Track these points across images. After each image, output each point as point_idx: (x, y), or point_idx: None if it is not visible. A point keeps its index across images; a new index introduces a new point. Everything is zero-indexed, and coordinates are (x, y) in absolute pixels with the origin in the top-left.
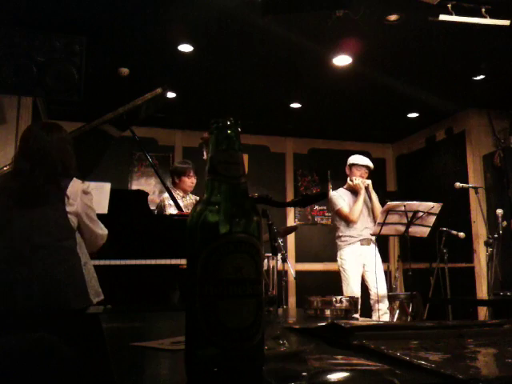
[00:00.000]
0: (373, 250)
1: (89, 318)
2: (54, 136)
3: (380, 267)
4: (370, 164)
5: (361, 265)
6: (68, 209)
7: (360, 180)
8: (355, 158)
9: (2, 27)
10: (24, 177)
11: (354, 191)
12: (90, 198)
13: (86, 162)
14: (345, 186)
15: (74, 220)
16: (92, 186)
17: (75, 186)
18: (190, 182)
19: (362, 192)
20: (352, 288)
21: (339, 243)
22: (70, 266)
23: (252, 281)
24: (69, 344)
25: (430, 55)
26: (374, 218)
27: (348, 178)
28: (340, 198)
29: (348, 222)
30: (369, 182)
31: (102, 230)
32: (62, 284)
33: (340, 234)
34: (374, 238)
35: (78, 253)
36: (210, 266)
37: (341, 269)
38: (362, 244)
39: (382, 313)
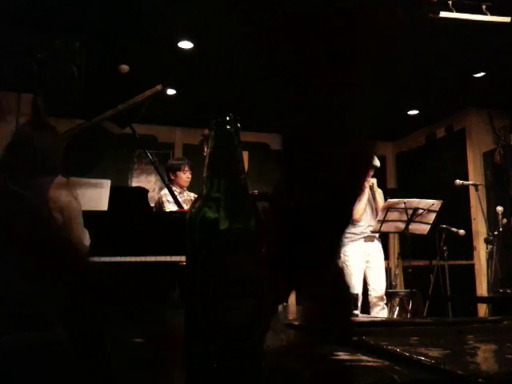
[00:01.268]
0: (376, 247)
1: (88, 316)
2: (43, 134)
3: (382, 264)
4: (376, 163)
5: (364, 261)
6: (51, 205)
7: None
8: None
9: (1, 26)
10: (6, 171)
11: None
12: (75, 194)
13: (86, 159)
14: None
15: (58, 217)
16: (92, 182)
17: (59, 182)
18: (186, 177)
19: (366, 191)
20: (353, 284)
21: (343, 239)
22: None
23: (252, 278)
24: (68, 342)
25: (430, 53)
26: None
27: None
28: None
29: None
30: (373, 181)
31: (87, 241)
32: None
33: None
34: (377, 234)
35: None
36: (209, 264)
37: (344, 265)
38: (365, 241)
39: (380, 309)
